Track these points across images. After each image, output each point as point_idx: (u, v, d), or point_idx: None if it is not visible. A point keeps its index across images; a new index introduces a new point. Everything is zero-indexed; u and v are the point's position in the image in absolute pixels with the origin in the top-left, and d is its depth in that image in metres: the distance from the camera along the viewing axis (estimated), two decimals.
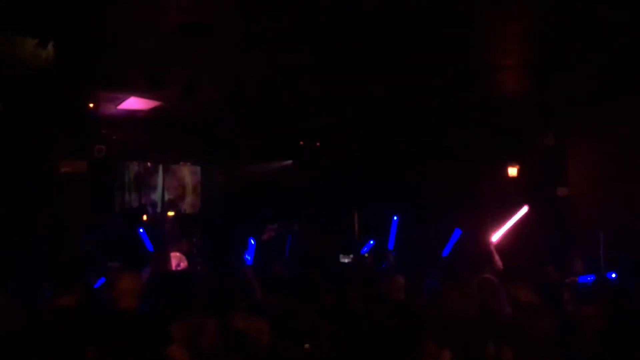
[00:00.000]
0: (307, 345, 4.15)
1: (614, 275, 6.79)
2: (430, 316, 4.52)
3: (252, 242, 8.88)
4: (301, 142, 13.35)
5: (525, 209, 6.93)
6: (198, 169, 14.16)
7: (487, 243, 6.97)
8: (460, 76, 8.80)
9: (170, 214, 12.38)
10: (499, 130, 10.77)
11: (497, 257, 6.84)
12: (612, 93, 9.23)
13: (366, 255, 11.82)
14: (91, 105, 9.29)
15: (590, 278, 6.79)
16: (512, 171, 10.89)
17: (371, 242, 10.47)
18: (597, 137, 9.88)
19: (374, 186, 12.93)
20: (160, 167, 13.56)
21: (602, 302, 5.03)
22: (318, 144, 13.32)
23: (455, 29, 7.00)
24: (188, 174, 14.16)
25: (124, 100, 10.02)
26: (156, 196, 13.63)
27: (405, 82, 9.13)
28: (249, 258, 9.13)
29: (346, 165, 13.57)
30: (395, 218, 9.28)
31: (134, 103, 10.19)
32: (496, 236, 6.90)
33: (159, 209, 13.40)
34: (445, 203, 11.21)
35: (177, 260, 11.65)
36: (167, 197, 13.71)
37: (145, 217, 12.47)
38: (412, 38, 7.19)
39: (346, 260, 12.21)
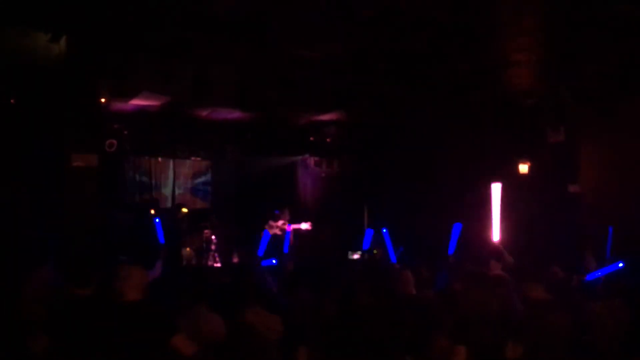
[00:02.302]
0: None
1: (620, 265, 6.70)
2: (441, 311, 4.51)
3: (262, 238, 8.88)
4: (312, 138, 13.35)
5: (498, 186, 6.74)
6: (209, 164, 14.18)
7: (492, 241, 6.94)
8: (471, 72, 8.77)
9: (184, 210, 12.40)
10: (510, 126, 10.73)
11: (506, 254, 6.82)
12: (623, 89, 9.18)
13: (375, 251, 11.82)
14: (103, 99, 9.33)
15: (598, 274, 6.72)
16: (523, 168, 10.84)
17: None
18: (609, 133, 9.82)
19: (384, 183, 12.92)
20: (171, 162, 13.59)
21: (614, 299, 5.00)
22: (329, 140, 13.31)
23: (468, 25, 6.98)
24: (199, 169, 14.19)
25: (135, 95, 10.05)
26: (167, 191, 13.67)
27: (417, 79, 9.11)
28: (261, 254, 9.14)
29: (357, 162, 13.58)
30: (384, 231, 9.18)
31: (145, 98, 10.22)
32: (495, 234, 6.84)
33: (169, 204, 13.44)
34: (456, 200, 11.18)
35: (187, 258, 11.71)
36: (177, 192, 13.75)
37: (153, 211, 12.51)
38: (424, 33, 7.17)
39: (355, 257, 12.20)
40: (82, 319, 4.12)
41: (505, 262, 6.63)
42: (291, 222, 12.03)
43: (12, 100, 9.15)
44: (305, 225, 12.07)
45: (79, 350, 4.04)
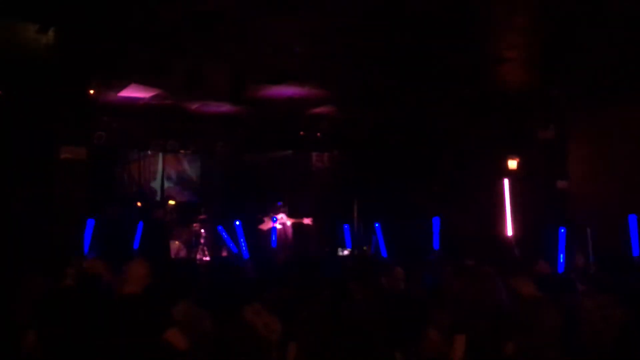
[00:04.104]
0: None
1: (562, 231, 6.71)
2: (431, 306, 4.52)
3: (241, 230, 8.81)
4: (302, 133, 13.32)
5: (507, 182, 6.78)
6: (198, 157, 14.12)
7: (505, 236, 6.90)
8: (461, 69, 8.79)
9: (172, 202, 12.35)
10: (500, 123, 10.76)
11: (516, 250, 6.81)
12: (613, 87, 9.22)
13: (365, 247, 11.83)
14: (92, 91, 9.26)
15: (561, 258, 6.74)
16: (512, 164, 10.88)
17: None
18: (598, 130, 9.88)
19: (374, 178, 12.92)
20: (160, 156, 13.52)
21: (603, 295, 5.03)
22: (319, 134, 13.29)
23: (458, 22, 6.98)
24: (188, 162, 14.13)
25: (124, 87, 9.97)
26: (155, 184, 13.60)
27: (408, 74, 9.11)
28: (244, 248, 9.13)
29: (347, 156, 13.57)
30: (377, 225, 9.18)
31: (135, 90, 10.14)
32: (509, 228, 6.84)
33: (158, 198, 13.38)
34: (445, 195, 11.21)
35: (176, 249, 11.68)
36: (166, 185, 13.69)
37: (139, 204, 12.44)
38: (417, 29, 7.17)
39: (345, 253, 12.19)
40: (64, 310, 4.12)
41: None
42: (291, 216, 11.98)
43: None
44: (307, 221, 11.97)
45: (69, 342, 4.02)
